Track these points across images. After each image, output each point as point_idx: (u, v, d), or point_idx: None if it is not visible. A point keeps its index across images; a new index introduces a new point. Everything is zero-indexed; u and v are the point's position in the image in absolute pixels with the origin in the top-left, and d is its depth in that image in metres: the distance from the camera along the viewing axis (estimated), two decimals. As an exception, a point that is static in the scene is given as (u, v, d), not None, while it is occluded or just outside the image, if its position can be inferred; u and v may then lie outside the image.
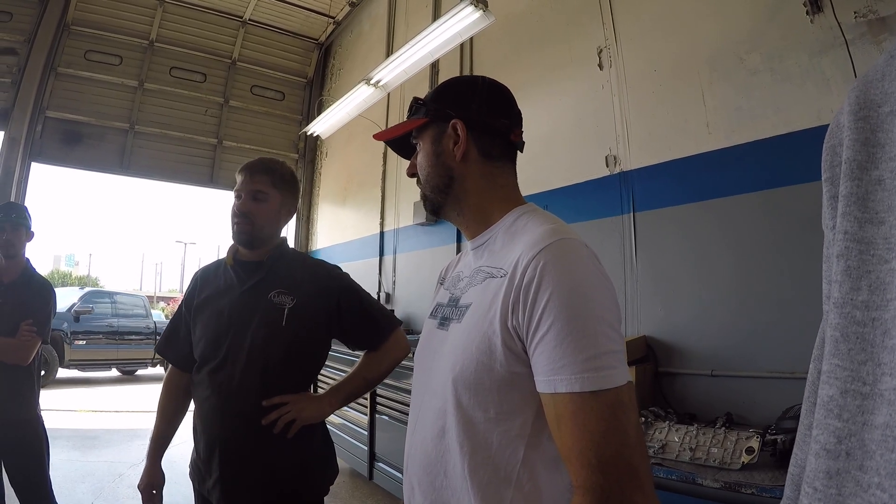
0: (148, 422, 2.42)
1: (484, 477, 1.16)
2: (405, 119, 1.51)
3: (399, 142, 1.53)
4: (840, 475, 0.58)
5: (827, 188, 0.73)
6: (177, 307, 2.56)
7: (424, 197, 1.45)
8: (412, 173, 1.46)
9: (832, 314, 0.64)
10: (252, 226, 2.25)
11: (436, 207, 1.44)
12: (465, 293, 1.34)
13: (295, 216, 2.79)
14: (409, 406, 1.52)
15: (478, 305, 1.26)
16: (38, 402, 3.57)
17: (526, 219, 1.33)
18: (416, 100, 1.49)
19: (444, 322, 1.38)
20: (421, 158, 1.44)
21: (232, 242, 2.38)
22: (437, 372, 1.31)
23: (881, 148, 0.63)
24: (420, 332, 1.57)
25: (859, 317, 0.60)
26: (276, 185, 2.32)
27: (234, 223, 2.25)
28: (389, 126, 1.51)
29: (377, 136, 1.57)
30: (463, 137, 1.38)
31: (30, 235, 3.62)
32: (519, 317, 1.13)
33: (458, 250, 6.06)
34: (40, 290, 3.59)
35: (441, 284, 1.59)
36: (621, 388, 1.04)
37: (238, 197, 2.27)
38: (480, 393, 1.18)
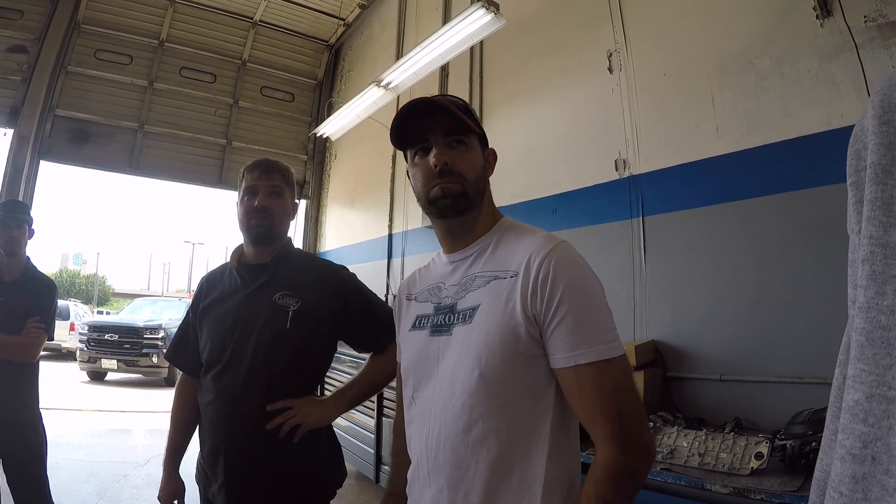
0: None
1: (520, 453, 1.35)
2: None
3: (439, 120, 1.53)
4: (866, 479, 0.58)
5: (852, 192, 0.72)
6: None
7: (461, 193, 1.50)
8: (445, 162, 1.49)
9: (857, 318, 0.63)
10: (272, 220, 2.25)
11: (469, 206, 1.52)
12: (463, 298, 1.50)
13: (304, 217, 2.79)
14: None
15: (491, 303, 1.42)
16: (38, 401, 3.57)
17: (513, 231, 1.56)
18: (468, 106, 1.61)
19: (440, 329, 1.52)
20: (471, 158, 1.54)
21: (237, 244, 2.38)
22: (449, 374, 1.44)
23: None
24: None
25: (884, 321, 0.60)
26: (288, 183, 2.34)
27: (250, 218, 2.24)
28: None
29: (432, 98, 1.56)
30: (492, 166, 1.64)
31: (31, 233, 3.62)
32: (537, 305, 1.35)
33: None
34: (45, 288, 3.60)
35: (412, 300, 1.71)
36: (624, 356, 1.34)
37: (253, 193, 2.25)
38: (509, 379, 1.36)
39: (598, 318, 1.34)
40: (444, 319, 1.52)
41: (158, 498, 2.34)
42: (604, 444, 1.28)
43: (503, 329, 1.37)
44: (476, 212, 1.56)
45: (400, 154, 6.33)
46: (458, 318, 1.48)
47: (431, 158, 1.51)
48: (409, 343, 1.63)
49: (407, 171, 1.66)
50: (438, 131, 1.52)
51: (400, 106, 6.48)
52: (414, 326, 1.62)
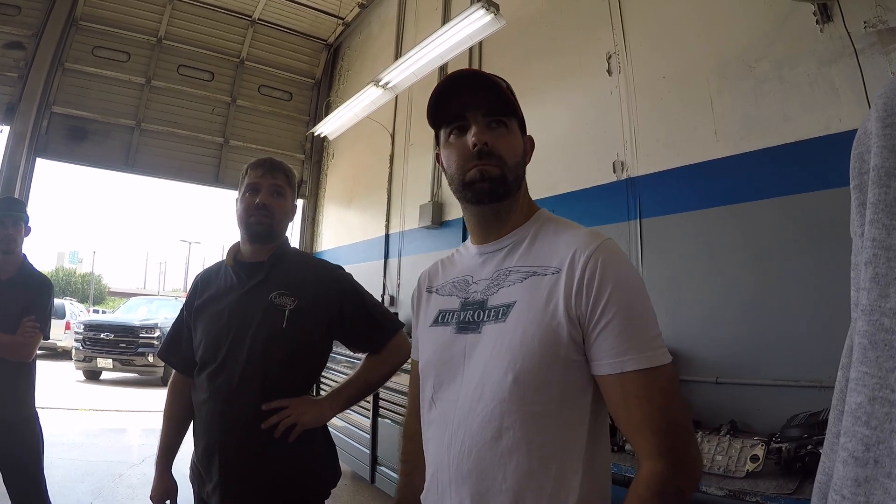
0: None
1: (552, 467, 1.25)
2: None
3: (480, 98, 1.42)
4: (868, 483, 0.58)
5: (855, 195, 0.72)
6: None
7: (500, 178, 1.39)
8: (485, 142, 1.38)
9: (860, 321, 0.63)
10: (272, 219, 2.24)
11: (507, 192, 1.42)
12: (496, 294, 1.38)
13: (301, 217, 2.79)
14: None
15: (529, 301, 1.31)
16: (34, 401, 3.56)
17: (552, 224, 1.45)
18: (510, 88, 1.47)
19: (467, 326, 1.40)
20: (512, 142, 1.43)
21: (234, 242, 2.37)
22: (477, 376, 1.33)
23: None
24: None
25: (888, 324, 0.60)
26: (290, 184, 2.34)
27: (250, 215, 2.22)
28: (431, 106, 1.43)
29: (477, 71, 1.47)
30: (530, 153, 1.54)
31: (27, 231, 3.60)
32: (582, 307, 1.25)
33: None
34: (40, 286, 3.57)
35: (433, 293, 1.60)
36: (672, 364, 1.24)
37: (255, 190, 2.24)
38: (545, 386, 1.26)
39: (647, 322, 1.26)
40: (472, 316, 1.41)
41: (151, 497, 2.33)
42: (649, 458, 1.19)
43: (542, 330, 1.27)
44: (513, 200, 1.45)
45: (398, 154, 6.33)
46: (489, 316, 1.37)
47: (470, 138, 1.39)
48: (429, 339, 1.51)
49: (437, 155, 1.55)
50: (479, 109, 1.41)
51: (397, 106, 6.38)
52: (436, 322, 1.51)
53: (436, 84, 1.45)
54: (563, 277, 1.29)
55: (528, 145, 1.53)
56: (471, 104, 1.41)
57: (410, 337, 1.86)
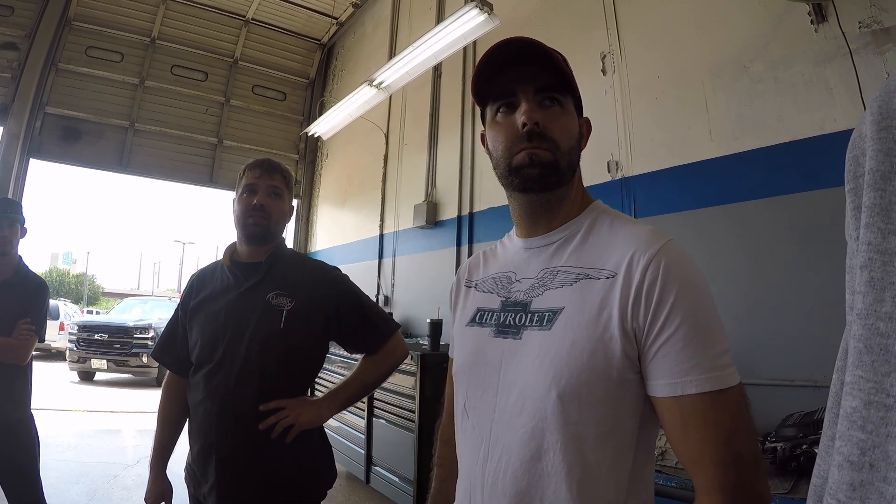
0: (143, 422, 2.40)
1: (593, 494, 1.11)
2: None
3: (533, 72, 1.25)
4: (864, 487, 0.58)
5: (850, 199, 0.72)
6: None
7: (552, 163, 1.22)
8: (536, 122, 1.21)
9: (855, 325, 0.63)
10: (269, 220, 2.24)
11: (559, 180, 1.25)
12: (541, 296, 1.23)
13: (295, 217, 2.79)
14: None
15: (579, 309, 1.16)
16: (30, 402, 3.54)
17: (608, 218, 1.27)
18: (567, 62, 1.29)
19: (507, 330, 1.26)
20: (567, 123, 1.26)
21: (230, 242, 2.37)
22: (517, 388, 1.19)
23: None
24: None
25: (883, 328, 0.60)
26: (287, 185, 2.34)
27: (247, 216, 2.22)
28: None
29: (529, 40, 1.24)
30: (586, 137, 1.35)
31: (23, 232, 3.59)
32: (640, 318, 1.09)
33: (459, 254, 6.05)
34: (36, 288, 3.55)
35: (472, 288, 1.46)
36: (740, 385, 1.07)
37: (253, 191, 2.24)
38: (592, 405, 1.11)
39: (714, 337, 1.08)
40: (513, 319, 1.26)
41: (145, 499, 2.31)
42: (710, 492, 1.03)
43: (593, 344, 1.11)
44: (565, 189, 1.28)
45: (392, 154, 6.30)
46: (531, 321, 1.21)
47: (520, 116, 1.22)
48: (465, 340, 1.38)
49: (482, 135, 1.39)
50: (530, 84, 1.24)
51: (391, 106, 6.36)
52: (473, 321, 1.37)
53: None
54: (619, 283, 1.13)
55: (585, 128, 1.34)
56: (521, 78, 1.25)
57: (406, 338, 1.86)
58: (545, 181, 1.23)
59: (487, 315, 1.33)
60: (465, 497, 1.27)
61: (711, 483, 1.02)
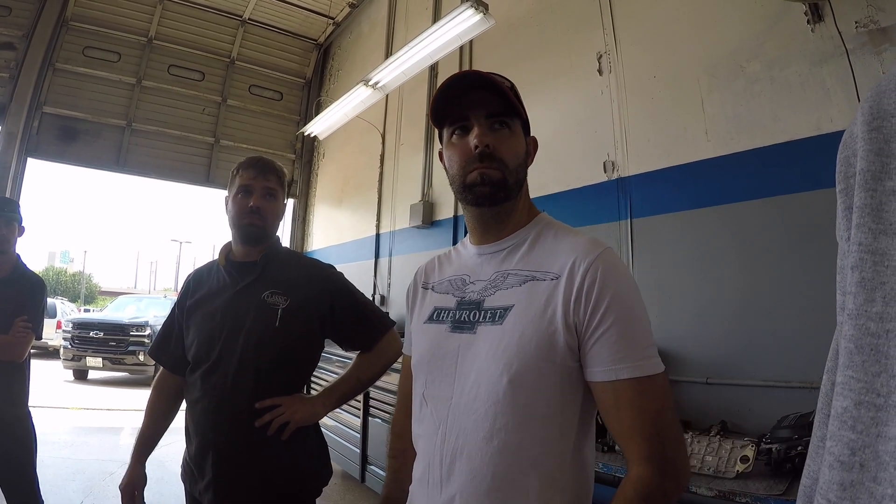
0: (139, 420, 2.40)
1: (541, 469, 1.28)
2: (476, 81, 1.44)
3: (484, 97, 1.42)
4: (854, 487, 0.58)
5: (841, 199, 0.72)
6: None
7: (501, 181, 1.39)
8: (486, 144, 1.38)
9: (846, 325, 0.63)
10: (265, 222, 2.26)
11: (507, 196, 1.42)
12: (493, 296, 1.40)
13: (291, 217, 2.79)
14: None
15: (527, 306, 1.33)
16: (28, 399, 3.55)
17: (552, 229, 1.46)
18: (514, 88, 1.47)
19: (462, 326, 1.42)
20: (514, 144, 1.44)
21: (225, 242, 2.38)
22: (472, 376, 1.35)
23: (895, 158, 0.63)
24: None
25: (874, 328, 0.60)
26: (281, 184, 2.35)
27: (243, 218, 2.23)
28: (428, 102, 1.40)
29: (479, 72, 1.44)
30: (533, 155, 1.53)
31: (21, 231, 3.59)
32: (580, 314, 1.28)
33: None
34: (33, 286, 3.57)
35: (429, 289, 1.62)
36: (664, 374, 1.27)
37: (247, 192, 2.24)
38: (540, 390, 1.29)
39: (642, 332, 1.28)
40: (468, 316, 1.42)
41: (119, 487, 2.31)
42: (638, 462, 1.21)
43: (539, 335, 1.29)
44: (513, 203, 1.45)
45: (388, 154, 6.33)
46: (484, 317, 1.38)
47: (472, 139, 1.39)
48: (423, 336, 1.53)
49: (440, 153, 1.55)
50: (482, 110, 1.41)
51: (388, 106, 6.39)
52: (431, 319, 1.52)
53: (432, 84, 1.45)
54: (562, 284, 1.31)
55: (532, 146, 1.52)
56: (474, 104, 1.41)
57: (402, 335, 1.86)
58: (495, 197, 1.41)
59: (444, 313, 1.49)
60: (423, 476, 1.41)
61: (640, 454, 1.21)
